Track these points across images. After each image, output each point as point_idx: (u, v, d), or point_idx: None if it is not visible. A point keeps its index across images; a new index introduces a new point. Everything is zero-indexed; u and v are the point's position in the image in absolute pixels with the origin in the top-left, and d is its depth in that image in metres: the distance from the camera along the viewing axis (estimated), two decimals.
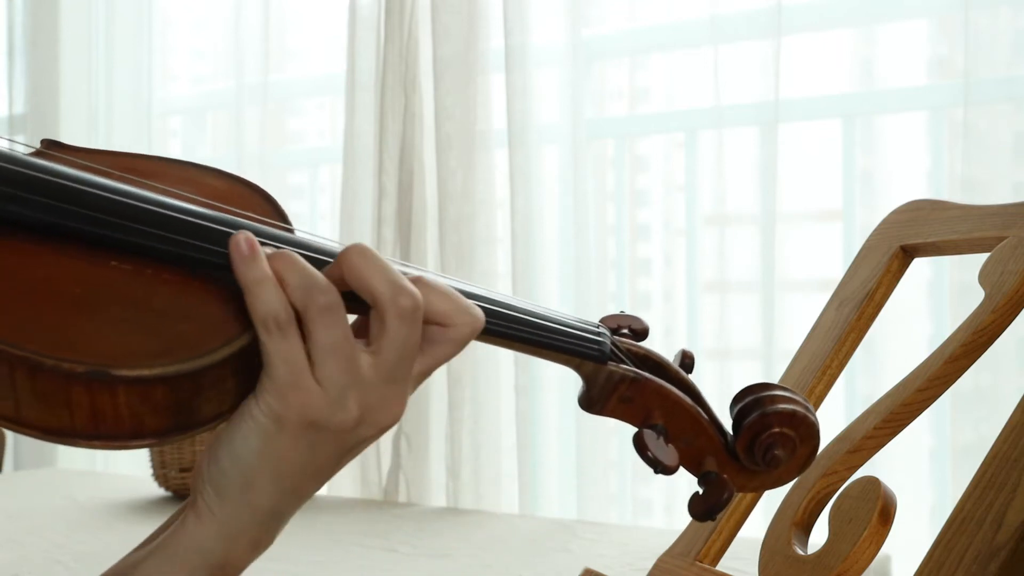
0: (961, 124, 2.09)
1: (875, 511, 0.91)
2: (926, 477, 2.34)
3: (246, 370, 0.63)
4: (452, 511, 2.37)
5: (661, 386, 0.72)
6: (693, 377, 0.76)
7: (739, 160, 2.38)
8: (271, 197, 0.73)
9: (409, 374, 0.65)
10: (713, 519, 0.73)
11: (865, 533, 0.90)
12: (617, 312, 0.78)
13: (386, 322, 0.63)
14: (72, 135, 3.31)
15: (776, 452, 0.72)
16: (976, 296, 1.00)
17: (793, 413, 0.72)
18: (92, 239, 0.63)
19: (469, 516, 2.26)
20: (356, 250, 0.63)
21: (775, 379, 1.04)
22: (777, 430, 0.72)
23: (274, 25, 3.04)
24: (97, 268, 0.62)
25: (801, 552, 0.97)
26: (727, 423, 0.75)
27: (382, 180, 2.58)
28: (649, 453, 0.69)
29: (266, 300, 0.61)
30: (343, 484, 2.59)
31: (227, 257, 0.63)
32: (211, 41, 3.31)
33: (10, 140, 0.70)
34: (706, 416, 0.72)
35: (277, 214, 0.71)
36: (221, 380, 0.62)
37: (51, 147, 0.73)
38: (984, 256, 1.02)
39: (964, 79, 2.08)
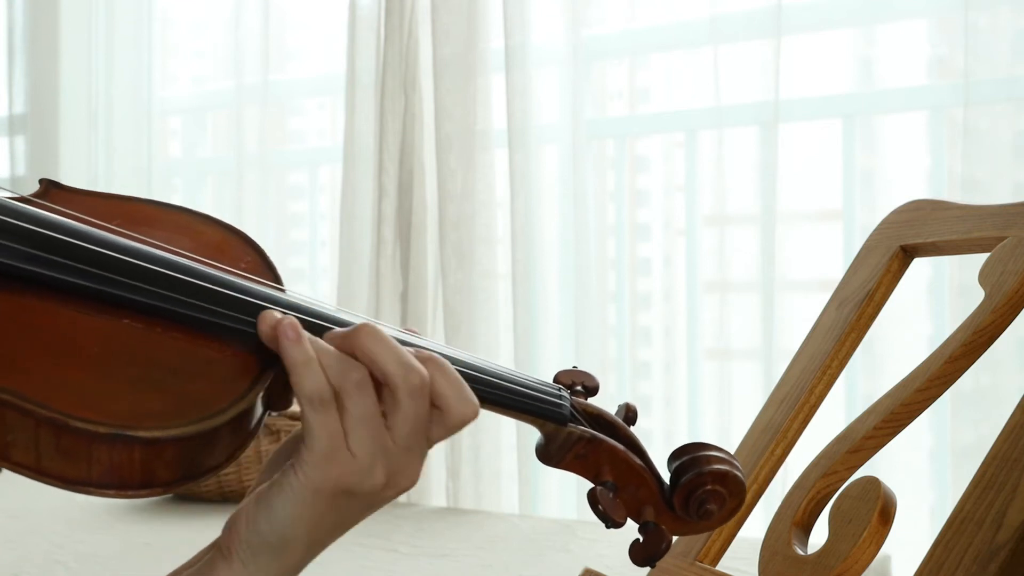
0: (961, 124, 2.09)
1: (875, 511, 0.91)
2: (926, 477, 2.34)
3: (243, 427, 0.69)
4: (452, 511, 2.37)
5: (612, 445, 0.80)
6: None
7: (739, 160, 2.38)
8: (260, 248, 0.78)
9: (423, 441, 0.71)
10: (653, 566, 0.81)
11: (865, 533, 0.90)
12: (570, 368, 0.86)
13: (398, 398, 0.69)
14: (72, 135, 3.32)
15: (708, 506, 0.80)
16: (976, 296, 1.00)
17: (725, 473, 0.80)
18: (110, 299, 0.67)
19: (469, 516, 2.26)
20: (366, 331, 0.69)
21: (775, 379, 1.05)
22: (710, 487, 0.80)
23: (274, 25, 3.04)
24: (112, 326, 0.67)
25: (801, 552, 0.97)
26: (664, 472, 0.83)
27: (382, 180, 2.58)
28: (600, 508, 0.78)
29: (313, 379, 0.67)
30: None
31: (250, 325, 0.69)
32: (211, 41, 3.31)
33: (8, 190, 0.73)
34: (648, 470, 0.81)
35: (266, 265, 0.77)
36: (223, 436, 0.67)
37: (50, 187, 0.77)
38: (984, 256, 1.02)
39: (964, 79, 2.07)
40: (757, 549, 1.01)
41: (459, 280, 2.49)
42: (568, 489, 2.51)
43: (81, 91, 3.31)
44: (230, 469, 2.26)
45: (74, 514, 2.22)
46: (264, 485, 0.70)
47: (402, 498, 2.52)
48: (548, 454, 0.81)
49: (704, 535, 1.07)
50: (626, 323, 2.63)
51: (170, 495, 2.32)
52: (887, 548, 1.06)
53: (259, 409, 0.70)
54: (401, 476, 0.71)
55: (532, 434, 2.39)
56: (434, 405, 0.71)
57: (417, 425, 0.70)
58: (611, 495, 0.79)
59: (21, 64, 3.42)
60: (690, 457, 0.81)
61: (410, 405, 0.69)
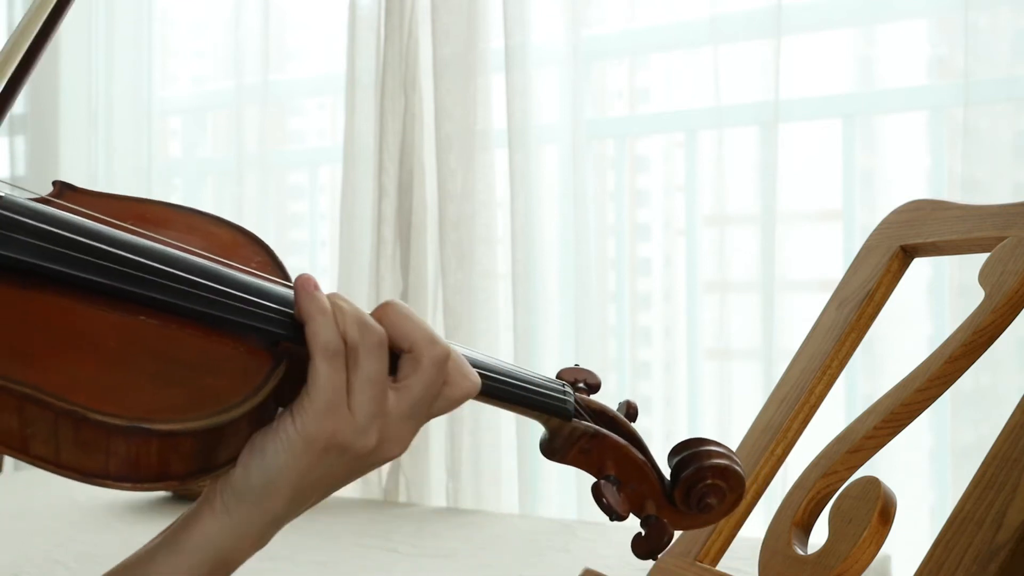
0: (961, 124, 2.09)
1: (875, 511, 0.91)
2: (926, 477, 2.34)
3: (258, 420, 0.70)
4: (452, 511, 2.37)
5: (615, 440, 0.82)
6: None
7: (739, 160, 2.38)
8: (268, 248, 0.80)
9: (425, 412, 0.74)
10: (655, 559, 0.83)
11: (865, 533, 0.90)
12: (572, 366, 0.88)
13: (422, 364, 0.72)
14: (72, 135, 3.32)
15: (709, 500, 0.82)
16: (976, 296, 1.00)
17: (725, 467, 0.82)
18: (127, 297, 0.69)
19: (469, 516, 2.26)
20: (396, 305, 0.73)
21: (775, 379, 1.05)
22: (710, 481, 0.82)
23: (274, 25, 3.04)
24: (129, 322, 0.68)
25: (801, 552, 0.97)
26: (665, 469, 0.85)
27: (382, 180, 2.58)
28: (605, 501, 0.80)
29: (327, 330, 0.70)
30: None
31: (263, 320, 0.71)
32: (211, 41, 3.31)
33: (14, 185, 0.74)
34: (649, 465, 0.83)
35: (275, 264, 0.79)
36: (239, 430, 0.69)
37: (64, 189, 0.78)
38: (984, 256, 1.02)
39: (964, 79, 2.07)
40: (757, 549, 1.01)
41: (459, 280, 2.49)
42: (568, 489, 2.51)
43: (81, 91, 3.31)
44: None
45: (74, 514, 2.22)
46: (255, 433, 0.71)
47: (402, 498, 2.53)
48: (552, 449, 0.83)
49: (704, 534, 1.07)
50: (626, 323, 2.63)
51: (170, 494, 2.32)
52: (887, 548, 1.06)
53: (271, 403, 0.71)
54: (393, 443, 0.73)
55: (532, 434, 2.41)
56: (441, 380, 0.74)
57: (427, 394, 0.73)
58: (615, 488, 0.80)
59: None
60: (691, 452, 0.83)
61: (431, 373, 0.72)
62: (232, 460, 0.70)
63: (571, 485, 2.48)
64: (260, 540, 0.73)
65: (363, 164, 2.64)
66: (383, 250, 2.57)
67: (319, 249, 3.17)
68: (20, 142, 3.45)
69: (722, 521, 1.06)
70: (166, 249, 0.71)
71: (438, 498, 2.53)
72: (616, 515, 0.80)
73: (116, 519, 2.15)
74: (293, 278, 0.76)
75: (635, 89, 2.68)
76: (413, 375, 0.72)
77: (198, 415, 0.66)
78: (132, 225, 0.73)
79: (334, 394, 0.70)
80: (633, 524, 0.83)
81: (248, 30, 3.01)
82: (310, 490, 0.73)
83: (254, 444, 0.71)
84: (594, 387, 0.86)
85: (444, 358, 0.73)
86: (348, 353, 0.70)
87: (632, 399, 0.87)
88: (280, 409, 0.72)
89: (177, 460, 0.66)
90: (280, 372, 0.70)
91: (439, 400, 0.74)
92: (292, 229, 3.22)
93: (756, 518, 1.09)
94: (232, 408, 0.67)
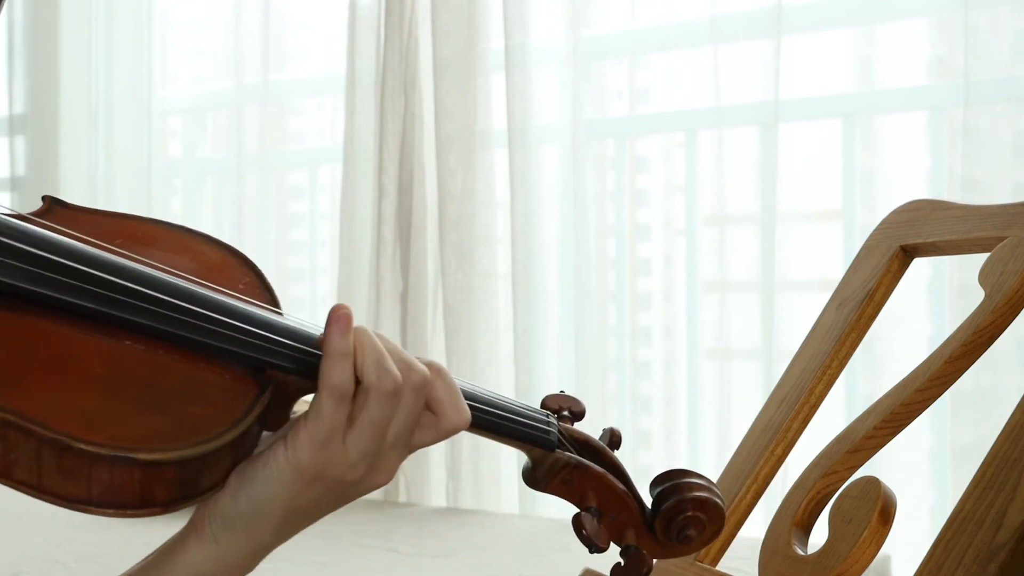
0: (961, 124, 2.09)
1: (875, 511, 0.91)
2: (926, 477, 2.34)
3: (240, 447, 0.70)
4: (452, 511, 2.37)
5: (597, 471, 0.83)
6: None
7: (739, 160, 2.38)
8: (257, 269, 0.79)
9: (405, 441, 0.73)
10: None
11: (865, 533, 0.90)
12: (558, 392, 0.88)
13: (368, 399, 0.70)
14: (72, 135, 3.31)
15: (689, 532, 0.83)
16: (976, 296, 1.00)
17: (705, 500, 0.83)
18: (112, 321, 0.68)
19: (469, 516, 2.26)
20: (363, 332, 0.71)
21: (775, 379, 1.05)
22: (691, 513, 0.83)
23: (274, 25, 3.04)
24: (114, 347, 0.67)
25: (801, 552, 0.97)
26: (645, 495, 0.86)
27: (382, 180, 2.58)
28: (585, 533, 0.80)
29: (343, 373, 0.69)
30: None
31: (247, 347, 0.70)
32: (211, 41, 3.31)
33: (9, 209, 0.72)
34: (630, 495, 0.83)
35: (263, 286, 0.78)
36: (222, 458, 0.68)
37: (53, 205, 0.77)
38: (984, 256, 1.02)
39: (964, 79, 2.07)
40: (757, 549, 1.01)
41: (459, 280, 2.49)
42: None
43: (81, 91, 3.31)
44: None
45: (74, 514, 2.22)
46: (245, 461, 0.71)
47: (402, 498, 2.53)
48: (535, 478, 0.83)
49: None
50: (626, 323, 2.63)
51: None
52: (887, 548, 1.06)
53: (255, 430, 0.70)
54: (379, 472, 0.73)
55: None
56: (429, 409, 0.73)
57: (408, 423, 0.72)
58: (595, 520, 0.81)
59: (21, 64, 3.42)
60: (672, 484, 0.84)
61: (409, 401, 0.71)
62: (215, 486, 0.69)
63: None
64: (246, 567, 0.73)
65: (363, 164, 2.64)
66: (383, 250, 2.57)
67: (319, 249, 3.17)
68: (20, 142, 3.45)
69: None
70: (152, 272, 0.70)
71: (438, 498, 2.52)
72: (596, 547, 0.80)
73: (116, 519, 2.15)
74: (281, 297, 0.76)
75: (635, 89, 2.68)
76: (363, 410, 0.71)
77: (182, 444, 0.65)
78: (121, 244, 0.72)
79: (333, 430, 0.70)
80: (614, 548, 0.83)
81: (248, 30, 3.01)
82: (298, 518, 0.73)
83: (243, 472, 0.70)
84: (578, 415, 0.86)
85: (421, 384, 0.72)
86: (359, 392, 0.70)
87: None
88: (265, 433, 0.72)
89: (160, 488, 0.66)
90: (265, 399, 0.70)
91: (427, 430, 0.74)
92: (292, 229, 3.22)
93: (756, 518, 1.09)
94: (216, 437, 0.66)
